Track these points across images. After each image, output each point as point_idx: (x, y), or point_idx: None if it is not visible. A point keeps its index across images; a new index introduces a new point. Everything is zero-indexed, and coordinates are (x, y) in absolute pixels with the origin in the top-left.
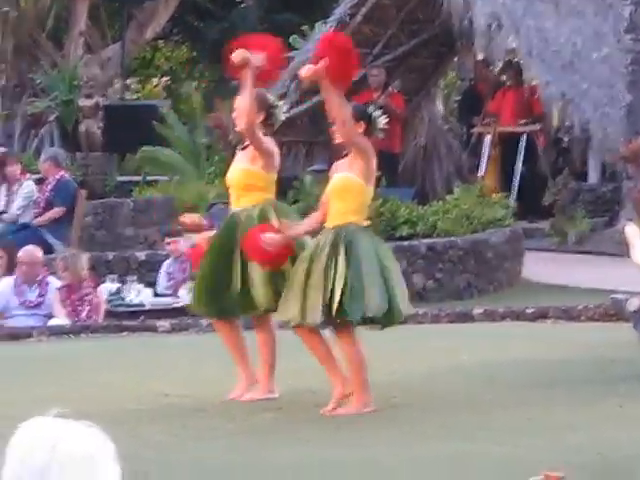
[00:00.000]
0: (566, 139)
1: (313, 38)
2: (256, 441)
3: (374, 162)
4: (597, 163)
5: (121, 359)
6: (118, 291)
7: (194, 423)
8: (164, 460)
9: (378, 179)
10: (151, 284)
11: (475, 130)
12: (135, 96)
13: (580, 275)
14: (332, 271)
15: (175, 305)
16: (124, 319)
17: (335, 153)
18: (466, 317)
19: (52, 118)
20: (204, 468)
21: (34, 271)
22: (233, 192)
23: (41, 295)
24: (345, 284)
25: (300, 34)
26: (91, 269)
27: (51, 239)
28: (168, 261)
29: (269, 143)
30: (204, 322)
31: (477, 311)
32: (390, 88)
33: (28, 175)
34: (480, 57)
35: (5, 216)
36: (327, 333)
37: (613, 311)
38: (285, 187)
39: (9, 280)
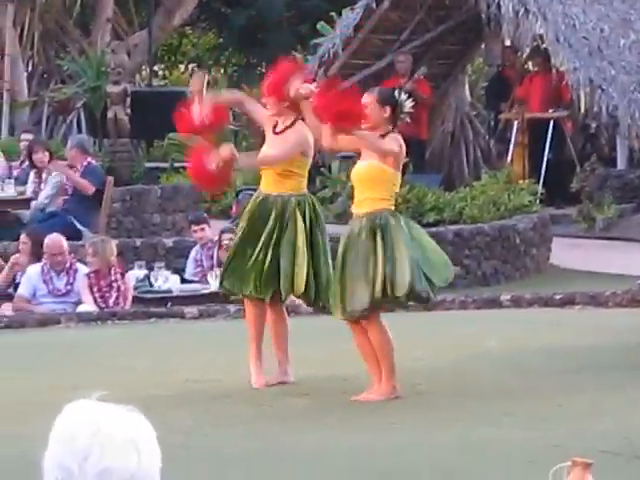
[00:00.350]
0: (594, 125)
1: (340, 24)
2: (281, 427)
3: (404, 150)
4: (625, 149)
5: (148, 345)
6: (146, 277)
7: (220, 409)
8: (191, 445)
9: (405, 166)
10: (178, 270)
11: (502, 116)
12: (162, 82)
13: (607, 261)
14: (371, 259)
15: (203, 291)
16: (152, 305)
17: None
18: (493, 303)
19: (79, 105)
20: (229, 454)
21: (59, 259)
22: (268, 176)
23: (69, 283)
24: (386, 269)
25: (327, 20)
26: (119, 255)
27: (79, 226)
28: (196, 247)
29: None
30: (232, 308)
31: (504, 297)
32: (416, 74)
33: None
34: (507, 43)
35: (33, 203)
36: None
37: None
38: (313, 173)
39: (37, 267)
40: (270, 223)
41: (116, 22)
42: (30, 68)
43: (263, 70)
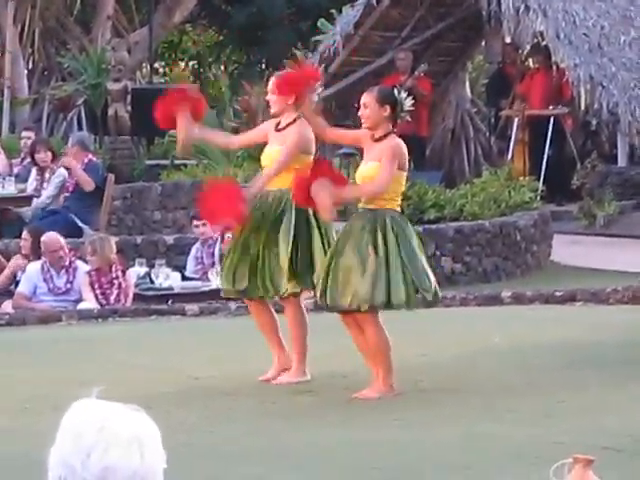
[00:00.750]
0: (594, 122)
1: (340, 22)
2: (284, 424)
3: (406, 153)
4: (625, 146)
5: (150, 343)
6: (147, 275)
7: (223, 406)
8: (194, 443)
9: None
10: (179, 268)
11: (503, 113)
12: (163, 80)
13: (608, 258)
14: (383, 256)
15: (204, 289)
16: (153, 303)
17: None
18: (495, 300)
19: (80, 102)
20: (231, 451)
21: (58, 255)
22: None
23: (69, 281)
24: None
25: (328, 18)
26: (119, 253)
27: (80, 223)
28: (197, 245)
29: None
30: (233, 306)
31: (506, 294)
32: (417, 72)
33: (60, 161)
34: (508, 40)
35: (35, 201)
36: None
37: None
38: None
39: (36, 265)
40: (269, 219)
41: (117, 19)
42: (31, 65)
43: (264, 67)
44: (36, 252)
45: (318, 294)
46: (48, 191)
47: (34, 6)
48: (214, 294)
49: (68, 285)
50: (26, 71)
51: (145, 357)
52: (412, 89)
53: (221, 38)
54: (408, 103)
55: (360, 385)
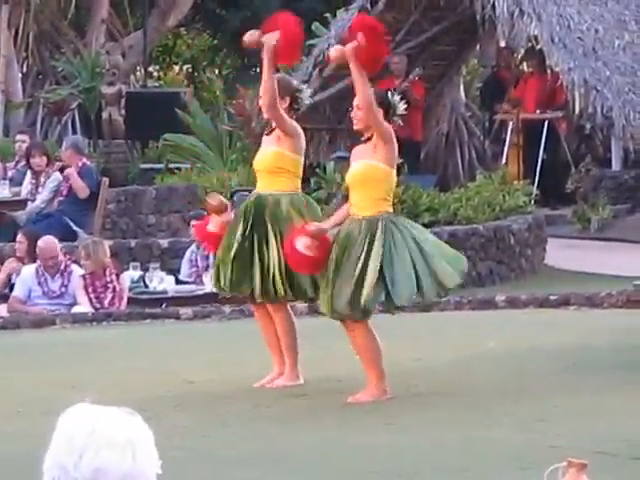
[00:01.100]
0: (588, 126)
1: (335, 25)
2: (280, 428)
3: (396, 146)
4: (619, 150)
5: (144, 346)
6: (141, 278)
7: (218, 410)
8: (189, 447)
9: (400, 166)
10: (173, 271)
11: (497, 117)
12: (157, 83)
13: (602, 262)
14: (361, 262)
15: (198, 292)
16: (147, 306)
17: (357, 140)
18: (489, 304)
19: (74, 106)
20: (227, 455)
21: (53, 261)
22: (262, 176)
23: (64, 285)
24: (380, 274)
25: (322, 21)
26: (114, 256)
27: (74, 227)
28: (191, 248)
29: (294, 124)
30: (227, 309)
31: (500, 298)
32: (411, 76)
33: (55, 165)
34: (502, 44)
35: (30, 205)
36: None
37: (636, 297)
38: (307, 174)
39: (31, 268)
40: (264, 223)
41: (111, 23)
42: (25, 69)
43: (258, 71)
44: (31, 255)
45: (322, 305)
46: (43, 195)
47: (28, 10)
48: (208, 298)
49: (63, 289)
50: (20, 75)
51: (139, 361)
52: (406, 93)
53: (215, 42)
54: (401, 107)
55: (355, 389)
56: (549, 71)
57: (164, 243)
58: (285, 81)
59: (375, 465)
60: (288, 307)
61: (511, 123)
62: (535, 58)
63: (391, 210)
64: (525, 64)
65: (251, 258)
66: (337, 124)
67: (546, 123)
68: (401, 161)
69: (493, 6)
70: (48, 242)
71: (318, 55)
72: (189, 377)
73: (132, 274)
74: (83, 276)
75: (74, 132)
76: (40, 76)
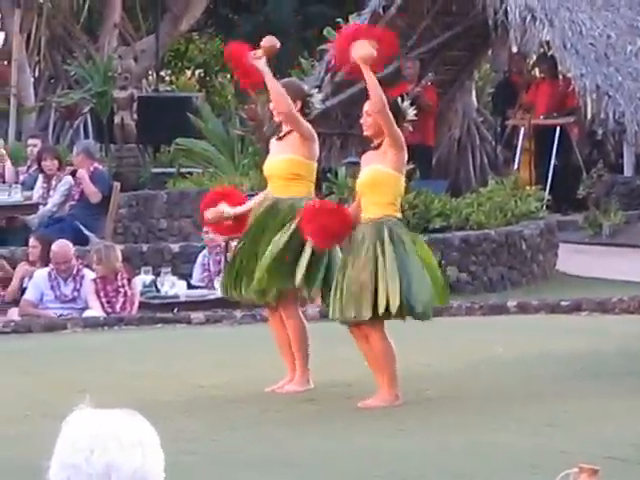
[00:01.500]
0: (600, 132)
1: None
2: (288, 432)
3: (405, 153)
4: (631, 155)
5: (155, 351)
6: (152, 283)
7: (227, 414)
8: (198, 451)
9: (412, 172)
10: (185, 276)
11: (509, 123)
12: (169, 88)
13: (614, 267)
14: (380, 267)
15: (209, 297)
16: (158, 311)
17: (368, 146)
18: (500, 310)
19: (86, 110)
20: (236, 459)
21: (66, 265)
22: (275, 182)
23: (76, 289)
24: (398, 280)
25: (334, 27)
26: (125, 261)
27: (86, 231)
28: (203, 252)
29: (309, 127)
30: (238, 314)
31: (511, 304)
32: (424, 81)
33: (67, 169)
34: (514, 49)
35: (42, 209)
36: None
37: None
38: (319, 179)
39: (43, 272)
40: (278, 228)
41: (123, 27)
42: (37, 73)
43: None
44: (44, 259)
45: (326, 306)
46: (54, 199)
47: (40, 14)
48: (220, 302)
49: (75, 293)
50: (32, 79)
51: (151, 365)
52: (418, 99)
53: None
54: (411, 113)
55: (364, 394)
56: (560, 77)
57: (175, 248)
58: (295, 85)
59: (381, 469)
60: (300, 313)
61: (523, 128)
62: (547, 64)
63: (399, 216)
64: (537, 70)
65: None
66: (349, 129)
67: (558, 128)
68: (413, 166)
69: (505, 11)
70: (62, 246)
71: (330, 60)
72: (199, 381)
73: (144, 278)
74: (94, 280)
75: (86, 136)
76: (52, 80)
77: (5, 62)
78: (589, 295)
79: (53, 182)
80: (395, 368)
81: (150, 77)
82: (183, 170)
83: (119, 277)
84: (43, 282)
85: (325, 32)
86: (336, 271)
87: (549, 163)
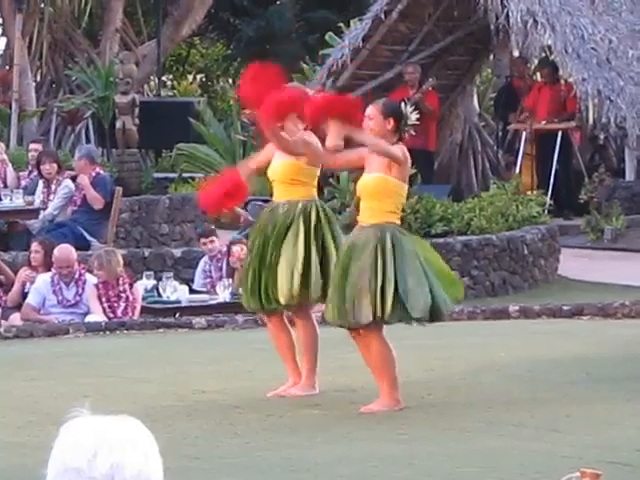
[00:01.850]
0: (602, 136)
1: (348, 35)
2: (291, 438)
3: (409, 163)
4: (633, 160)
5: (157, 355)
6: (154, 288)
7: (230, 419)
8: (201, 456)
9: (414, 176)
10: (187, 281)
11: (511, 127)
12: (170, 93)
13: (616, 272)
14: (379, 272)
15: (211, 302)
16: (160, 316)
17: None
18: (502, 314)
19: (88, 115)
20: (239, 464)
21: (68, 269)
22: (277, 186)
23: (78, 294)
24: (395, 286)
25: (336, 31)
26: (127, 266)
27: (88, 236)
28: (204, 259)
29: (313, 138)
30: (240, 319)
31: (513, 308)
32: (425, 86)
33: (66, 173)
34: (516, 54)
35: (42, 214)
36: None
37: None
38: (321, 184)
39: (46, 276)
40: (276, 231)
41: (125, 32)
42: (38, 78)
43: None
44: (46, 264)
45: (326, 310)
46: (55, 203)
47: (42, 19)
48: (221, 307)
49: (77, 297)
50: (34, 84)
51: (152, 370)
52: (419, 103)
53: (229, 51)
54: (413, 117)
55: (368, 400)
56: (562, 81)
57: (177, 252)
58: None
59: (383, 475)
60: (313, 316)
61: (525, 133)
62: (548, 68)
63: (399, 223)
64: (539, 74)
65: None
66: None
67: (560, 133)
68: (415, 171)
69: (507, 16)
70: (64, 250)
71: (331, 65)
72: (201, 386)
73: (145, 283)
74: (96, 285)
75: (88, 141)
76: (54, 85)
77: (7, 67)
78: (591, 300)
79: (53, 186)
80: (395, 372)
81: (152, 82)
82: (185, 175)
83: (121, 282)
84: (45, 287)
85: (327, 37)
86: (335, 273)
87: (551, 168)
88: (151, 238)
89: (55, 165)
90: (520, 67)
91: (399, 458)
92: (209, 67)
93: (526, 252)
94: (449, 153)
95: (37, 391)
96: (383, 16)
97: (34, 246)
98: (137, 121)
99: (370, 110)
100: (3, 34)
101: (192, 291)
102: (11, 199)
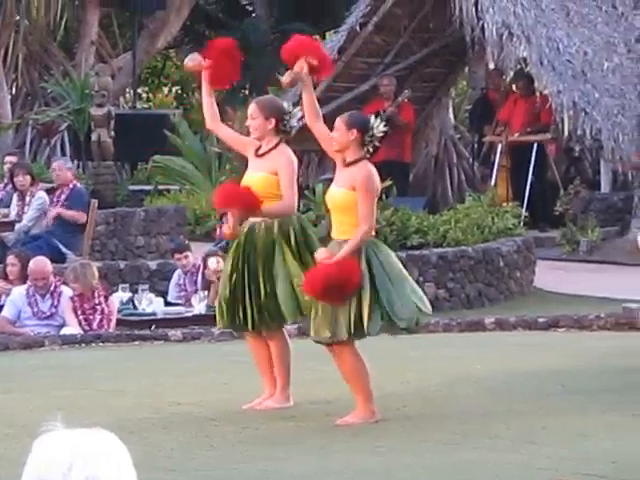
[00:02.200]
0: (578, 148)
1: (324, 47)
2: (267, 450)
3: (376, 180)
4: (609, 172)
5: (133, 368)
6: (130, 300)
7: (206, 432)
8: (177, 469)
9: (389, 188)
10: (162, 293)
11: (486, 139)
12: (146, 105)
13: (591, 284)
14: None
15: (187, 314)
16: (136, 328)
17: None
18: (478, 326)
19: (63, 127)
20: (215, 476)
21: (44, 282)
22: None
23: (54, 306)
24: (374, 298)
25: None
26: (103, 278)
27: (63, 248)
28: (178, 272)
29: (291, 155)
30: (216, 331)
31: (488, 320)
32: (400, 98)
33: (40, 185)
34: (491, 66)
35: (17, 226)
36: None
37: (625, 320)
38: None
39: (21, 289)
40: (257, 253)
41: (100, 45)
42: (14, 90)
43: (247, 92)
44: (23, 277)
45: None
46: (29, 215)
47: (17, 31)
48: (197, 319)
49: (53, 309)
50: (9, 96)
51: (128, 382)
52: (392, 116)
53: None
54: (380, 129)
55: (344, 412)
56: (537, 93)
57: (153, 265)
58: (272, 102)
59: None
60: (284, 330)
61: (500, 145)
62: (522, 80)
63: (373, 236)
64: (514, 86)
65: (242, 292)
66: None
67: (535, 145)
68: (390, 183)
69: (482, 28)
70: (39, 262)
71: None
72: (176, 398)
73: (121, 296)
74: (72, 298)
75: (63, 154)
76: (29, 97)
77: None
78: (566, 312)
79: (27, 198)
80: (369, 384)
81: (127, 94)
82: (160, 187)
83: (96, 294)
84: (21, 299)
85: None
86: None
87: (526, 180)
88: (127, 250)
89: (28, 177)
90: (495, 79)
91: (375, 470)
92: (185, 79)
93: (502, 264)
94: (425, 165)
95: (13, 403)
96: (358, 28)
97: (10, 259)
98: (113, 133)
99: (337, 121)
100: None
101: (168, 303)
102: None
